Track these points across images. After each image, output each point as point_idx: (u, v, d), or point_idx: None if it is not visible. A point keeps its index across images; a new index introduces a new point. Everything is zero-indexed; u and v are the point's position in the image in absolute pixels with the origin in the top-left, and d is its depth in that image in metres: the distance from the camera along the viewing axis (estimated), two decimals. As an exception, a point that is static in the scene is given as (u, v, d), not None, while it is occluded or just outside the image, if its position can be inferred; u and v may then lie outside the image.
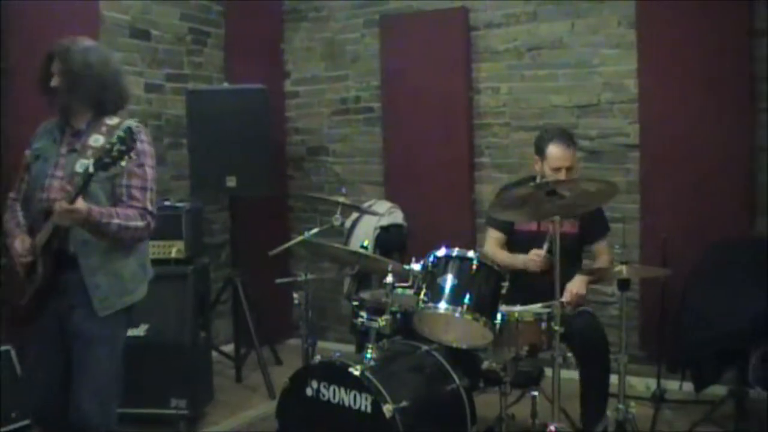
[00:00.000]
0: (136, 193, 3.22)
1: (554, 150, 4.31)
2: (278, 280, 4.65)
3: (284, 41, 6.82)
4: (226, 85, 6.11)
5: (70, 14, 4.85)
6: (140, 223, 3.21)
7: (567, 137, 4.37)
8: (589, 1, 5.52)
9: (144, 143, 3.28)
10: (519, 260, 4.36)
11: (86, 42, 3.30)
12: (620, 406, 3.87)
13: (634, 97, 5.39)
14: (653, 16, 5.24)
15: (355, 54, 6.50)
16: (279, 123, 6.65)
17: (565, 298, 4.16)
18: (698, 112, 5.11)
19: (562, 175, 4.24)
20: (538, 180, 4.34)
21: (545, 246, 4.16)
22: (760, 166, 5.06)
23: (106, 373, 3.28)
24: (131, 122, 3.20)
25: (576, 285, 4.24)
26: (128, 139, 2.93)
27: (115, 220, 3.12)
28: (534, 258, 4.26)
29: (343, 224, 4.66)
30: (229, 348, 5.95)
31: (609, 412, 4.07)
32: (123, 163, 2.97)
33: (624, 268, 3.85)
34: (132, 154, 3.00)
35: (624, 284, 3.88)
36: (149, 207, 3.25)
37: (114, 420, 3.33)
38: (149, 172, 3.28)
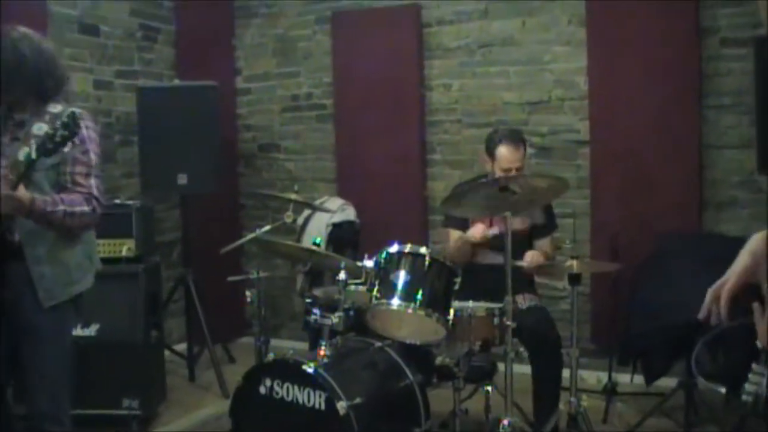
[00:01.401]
0: (80, 179, 3.17)
1: (504, 151, 4.33)
2: (230, 278, 4.62)
3: (235, 38, 6.78)
4: (176, 81, 6.06)
5: (18, 9, 4.76)
6: (86, 208, 3.16)
7: (516, 138, 4.39)
8: (539, -1, 5.57)
9: (89, 129, 3.24)
10: (464, 237, 4.41)
11: (16, 32, 3.19)
12: (572, 399, 3.92)
13: (584, 94, 5.45)
14: (603, 14, 5.30)
15: (307, 51, 6.48)
16: (230, 120, 6.61)
17: (526, 259, 4.22)
18: (647, 109, 5.19)
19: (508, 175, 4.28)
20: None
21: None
22: (707, 161, 5.15)
23: (57, 368, 3.25)
24: (75, 109, 3.15)
25: (535, 253, 4.35)
26: (72, 125, 2.88)
27: (60, 207, 3.07)
28: (478, 227, 4.33)
29: (295, 221, 4.65)
30: (181, 347, 5.90)
31: (561, 406, 4.11)
32: (66, 149, 2.91)
33: (575, 262, 3.89)
34: (76, 140, 2.96)
35: (575, 279, 3.93)
36: (95, 192, 3.20)
37: (67, 411, 3.32)
38: (93, 158, 3.24)
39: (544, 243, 4.59)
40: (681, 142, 5.13)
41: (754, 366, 1.75)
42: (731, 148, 5.11)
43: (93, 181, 3.21)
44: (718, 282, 1.74)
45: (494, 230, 4.26)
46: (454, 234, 4.54)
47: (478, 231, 4.32)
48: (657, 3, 5.11)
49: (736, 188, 5.12)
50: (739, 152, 5.07)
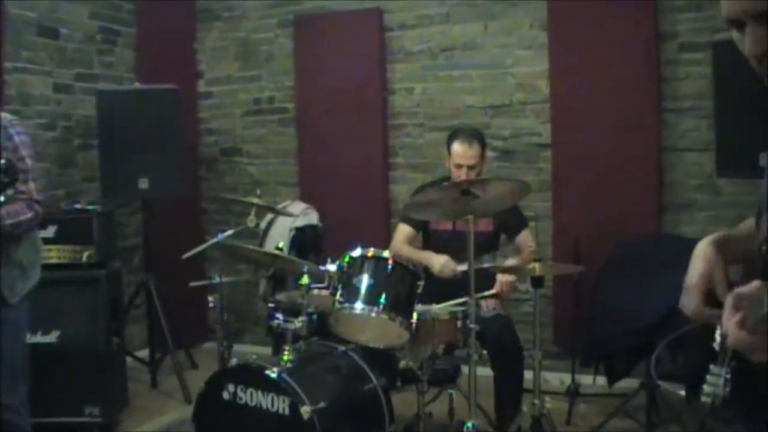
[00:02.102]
0: (20, 186, 3.20)
1: (457, 148, 4.37)
2: (193, 283, 4.60)
3: (197, 41, 6.73)
4: (137, 85, 5.99)
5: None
6: (29, 215, 3.33)
7: (472, 137, 4.42)
8: (501, 3, 5.60)
9: (20, 135, 3.36)
10: (426, 258, 4.40)
11: None
12: (536, 401, 3.94)
13: (545, 97, 5.48)
14: (564, 18, 5.35)
15: (269, 54, 6.46)
16: (192, 124, 6.56)
17: (496, 288, 4.23)
18: (608, 113, 5.24)
19: (462, 173, 4.31)
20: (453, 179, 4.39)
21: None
22: (667, 165, 5.21)
23: (17, 360, 3.44)
24: (6, 114, 3.21)
25: (505, 275, 4.30)
26: (9, 170, 2.90)
27: (8, 222, 3.22)
28: (446, 264, 4.32)
29: (257, 225, 4.64)
30: (143, 353, 5.84)
31: (525, 408, 4.13)
32: (9, 192, 2.95)
33: (537, 265, 3.91)
34: (9, 145, 3.18)
35: (537, 281, 3.94)
36: (35, 195, 3.36)
37: (25, 403, 3.51)
38: (29, 162, 3.37)
39: (523, 236, 4.61)
40: (641, 145, 5.19)
41: (711, 367, 1.77)
42: (690, 151, 5.18)
43: (32, 185, 3.36)
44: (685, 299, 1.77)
45: (462, 267, 4.20)
46: (412, 249, 4.56)
47: (447, 269, 4.33)
48: (617, 8, 5.16)
49: (695, 191, 5.19)
50: (698, 155, 5.13)
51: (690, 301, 1.76)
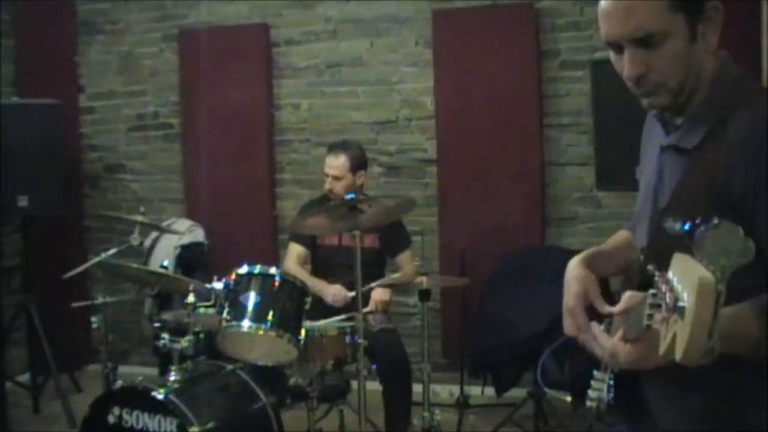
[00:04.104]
0: None
1: (326, 158, 4.56)
2: (75, 304, 4.47)
3: (79, 54, 6.57)
4: (15, 99, 5.82)
5: None
6: None
7: (341, 149, 4.57)
8: (387, 20, 5.65)
9: None
10: (319, 288, 4.38)
11: None
12: (425, 414, 3.98)
13: (431, 113, 5.56)
14: (449, 36, 5.44)
15: (153, 68, 6.35)
16: (74, 139, 6.38)
17: (370, 307, 4.25)
18: (492, 128, 5.35)
19: (328, 183, 4.48)
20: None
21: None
22: (549, 178, 5.36)
23: None
24: None
25: (379, 293, 4.33)
26: None
27: None
28: (337, 294, 4.34)
29: (142, 244, 4.56)
30: (24, 377, 5.65)
31: (415, 421, 4.17)
32: None
33: (424, 279, 3.96)
34: None
35: (424, 295, 3.99)
36: None
37: None
38: None
39: (403, 257, 4.66)
40: (524, 160, 5.32)
41: (595, 373, 1.83)
42: (571, 165, 5.34)
43: None
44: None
45: (353, 294, 4.22)
46: (305, 275, 4.54)
47: (339, 298, 4.35)
48: (501, 27, 5.30)
49: (576, 204, 5.35)
50: (579, 169, 5.30)
51: (573, 323, 1.82)
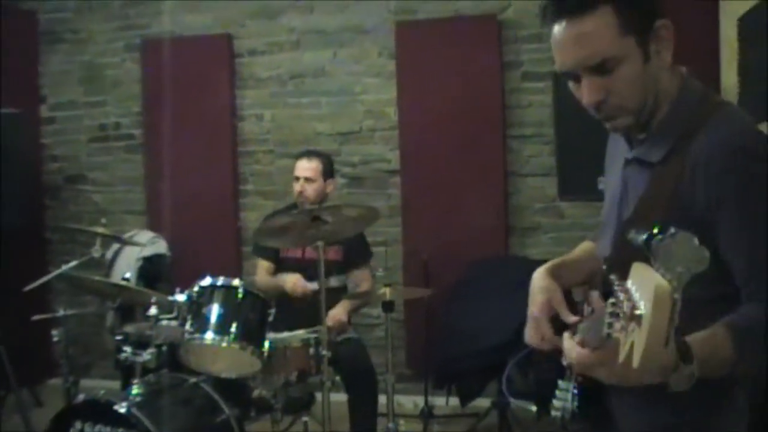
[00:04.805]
0: None
1: (297, 163, 4.59)
2: (35, 317, 4.41)
3: (40, 64, 6.51)
4: (-26, 110, 5.76)
5: None
6: None
7: (312, 153, 4.66)
8: (350, 31, 5.68)
9: None
10: (281, 280, 4.41)
11: None
12: (390, 425, 3.97)
13: (394, 124, 5.58)
14: (411, 48, 5.47)
15: (115, 78, 6.31)
16: (34, 150, 6.33)
17: (329, 323, 4.25)
18: (455, 139, 5.38)
19: (299, 186, 4.48)
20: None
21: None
22: (512, 189, 5.40)
23: None
24: None
25: (337, 311, 4.33)
26: None
27: None
28: (297, 283, 4.33)
29: (103, 256, 4.52)
30: (-17, 392, 5.57)
31: (379, 432, 4.16)
32: None
33: (387, 290, 3.95)
34: None
35: (388, 306, 3.99)
36: None
37: None
38: None
39: (360, 274, 4.65)
40: (487, 170, 5.36)
41: (560, 382, 1.84)
42: (534, 176, 5.38)
43: None
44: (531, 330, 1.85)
45: (313, 285, 4.23)
46: (269, 279, 4.56)
47: (298, 287, 4.34)
48: (463, 38, 5.34)
49: (539, 214, 5.39)
50: (542, 180, 5.34)
51: (536, 332, 1.83)
